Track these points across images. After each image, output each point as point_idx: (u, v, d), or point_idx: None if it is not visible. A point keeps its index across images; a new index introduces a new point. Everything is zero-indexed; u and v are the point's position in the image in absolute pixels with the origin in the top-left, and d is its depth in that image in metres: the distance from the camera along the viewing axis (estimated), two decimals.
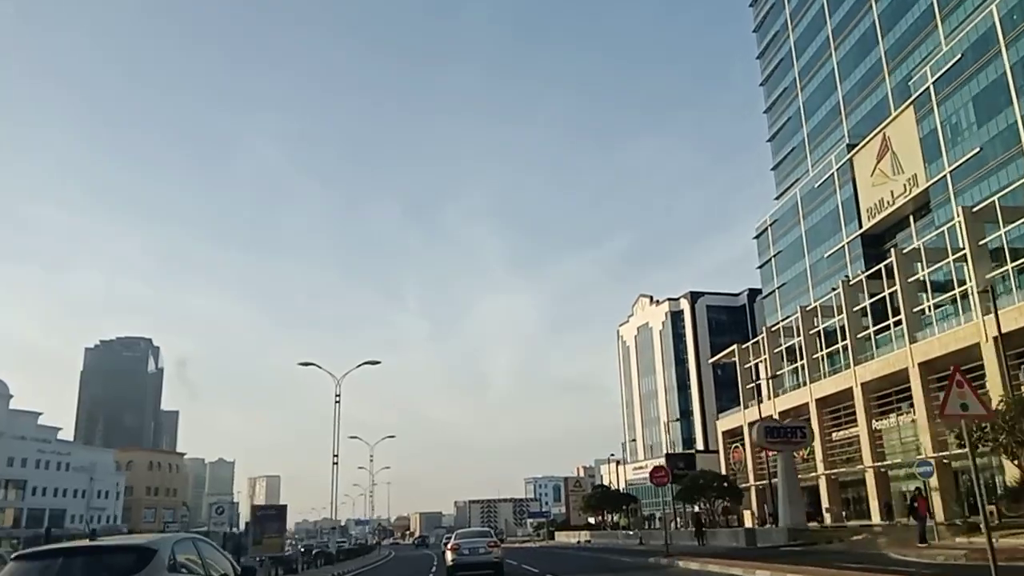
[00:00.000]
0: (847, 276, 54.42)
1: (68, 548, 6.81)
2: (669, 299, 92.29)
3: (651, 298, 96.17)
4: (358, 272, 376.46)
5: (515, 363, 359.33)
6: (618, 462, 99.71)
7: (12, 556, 6.57)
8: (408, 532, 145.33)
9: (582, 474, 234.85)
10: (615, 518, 65.80)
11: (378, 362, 36.97)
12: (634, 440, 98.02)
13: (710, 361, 77.62)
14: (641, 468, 76.62)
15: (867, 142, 57.06)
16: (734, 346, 70.31)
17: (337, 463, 35.45)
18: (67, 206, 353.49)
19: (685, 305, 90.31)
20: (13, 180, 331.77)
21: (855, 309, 50.70)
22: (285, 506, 32.18)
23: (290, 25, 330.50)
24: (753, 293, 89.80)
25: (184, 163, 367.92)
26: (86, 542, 6.95)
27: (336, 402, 36.12)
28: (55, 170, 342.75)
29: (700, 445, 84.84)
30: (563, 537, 70.35)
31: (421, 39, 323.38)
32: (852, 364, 49.30)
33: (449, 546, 23.97)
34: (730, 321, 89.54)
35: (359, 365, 36.05)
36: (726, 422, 70.52)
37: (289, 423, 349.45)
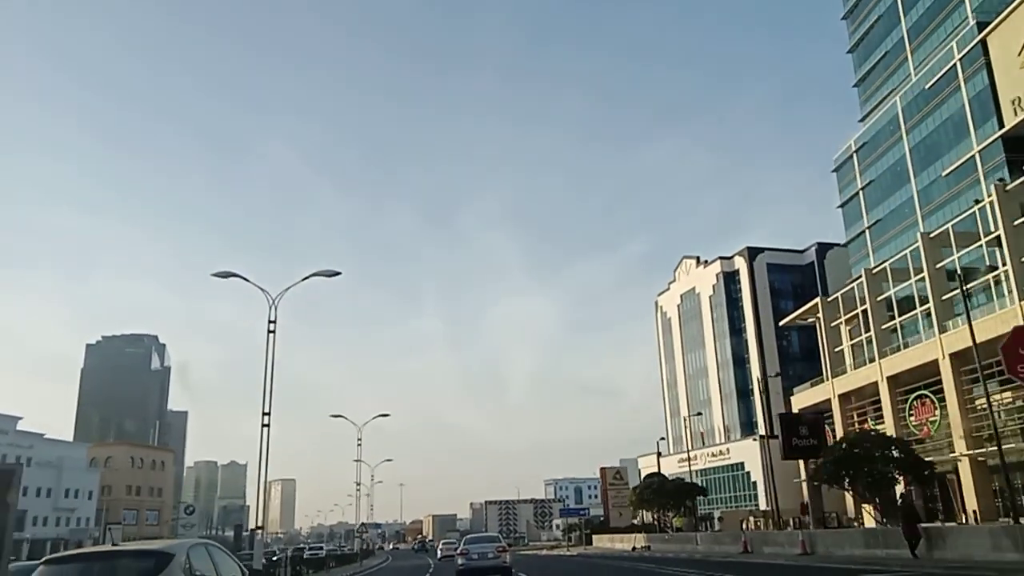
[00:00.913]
0: (1002, 179, 39.87)
1: (92, 553, 8.00)
2: (721, 258, 77.83)
3: (697, 259, 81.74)
4: (375, 276, 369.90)
5: (532, 366, 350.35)
6: (659, 454, 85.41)
7: (42, 561, 7.59)
8: (418, 536, 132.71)
9: (602, 477, 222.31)
10: (670, 517, 51.47)
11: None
12: (673, 430, 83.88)
13: (783, 322, 63.19)
14: (687, 460, 62.56)
15: (1012, 10, 42.51)
16: (816, 300, 56.06)
17: (268, 424, 21.88)
18: (86, 209, 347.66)
19: (741, 264, 75.83)
20: (35, 182, 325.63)
21: (1017, 223, 36.31)
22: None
23: (308, 30, 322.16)
24: (822, 249, 75.38)
25: (203, 166, 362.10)
26: (109, 547, 7.99)
27: (271, 331, 23.01)
28: (75, 172, 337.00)
29: (761, 431, 70.52)
30: (604, 542, 56.00)
31: (436, 42, 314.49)
32: (1018, 299, 35.00)
33: (458, 551, 25.54)
34: (795, 283, 74.96)
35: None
36: (805, 396, 56.16)
37: (307, 427, 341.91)
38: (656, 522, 52.72)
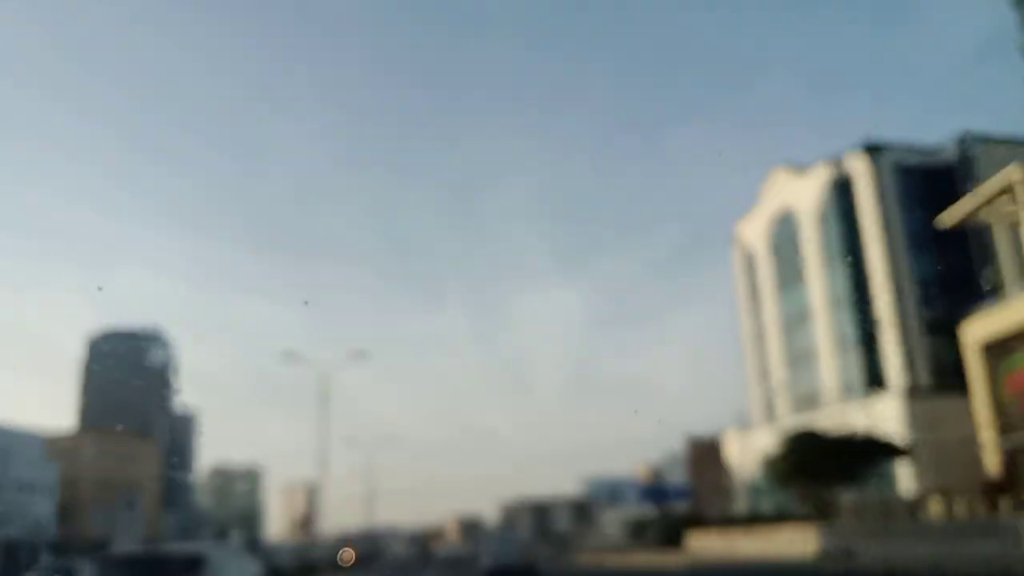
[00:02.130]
0: None
1: (139, 553, 10.10)
2: (829, 162, 59.10)
3: (794, 166, 63.02)
4: (397, 273, 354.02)
5: (560, 361, 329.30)
6: (743, 429, 67.50)
7: (94, 559, 9.70)
8: (439, 541, 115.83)
9: (642, 471, 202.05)
10: (833, 496, 32.57)
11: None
12: (760, 396, 65.42)
13: (948, 225, 44.28)
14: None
15: None
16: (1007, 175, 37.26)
17: None
18: (105, 209, 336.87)
19: (859, 168, 57.10)
20: (57, 184, 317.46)
21: None
22: None
23: (324, 20, 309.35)
24: (968, 142, 56.46)
25: (221, 164, 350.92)
26: (153, 548, 11.56)
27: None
28: (92, 173, 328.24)
29: (898, 384, 51.71)
30: (710, 540, 37.12)
31: (458, 31, 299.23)
32: None
33: (488, 550, 27.56)
34: (930, 193, 56.05)
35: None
36: (986, 326, 37.19)
37: (331, 428, 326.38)
38: (816, 503, 33.49)
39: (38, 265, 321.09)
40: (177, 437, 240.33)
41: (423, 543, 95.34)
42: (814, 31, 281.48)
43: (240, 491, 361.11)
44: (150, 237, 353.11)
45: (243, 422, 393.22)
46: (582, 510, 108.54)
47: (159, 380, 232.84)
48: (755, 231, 68.21)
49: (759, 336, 67.65)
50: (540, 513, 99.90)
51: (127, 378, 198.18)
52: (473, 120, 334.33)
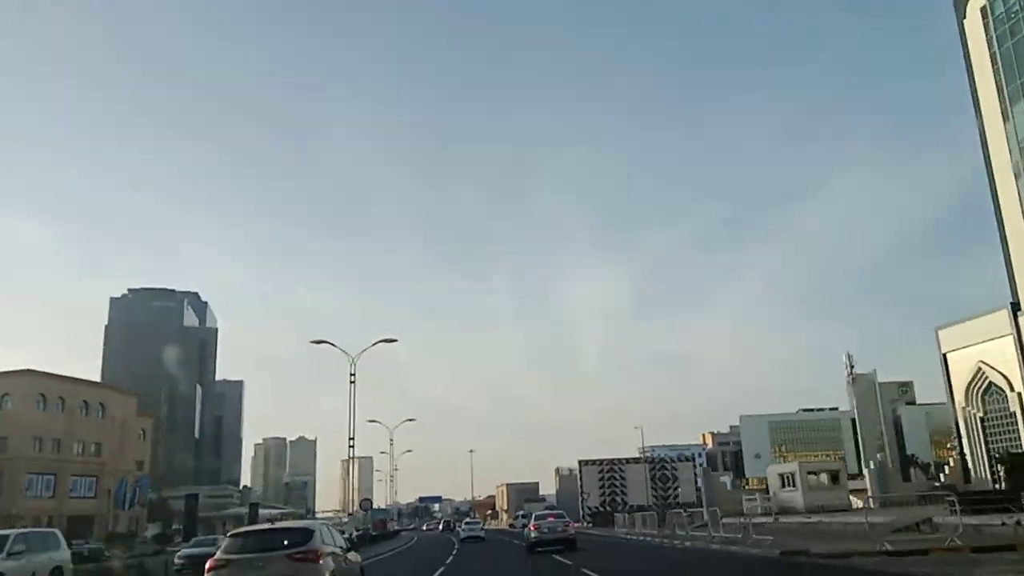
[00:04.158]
0: None
1: (262, 528, 13.12)
2: None
3: None
4: (444, 253, 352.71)
5: (604, 338, 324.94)
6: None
7: (228, 534, 12.62)
8: (488, 513, 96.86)
9: (710, 443, 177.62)
10: None
11: (395, 340, 41.65)
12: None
13: None
14: None
15: None
16: None
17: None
18: (165, 194, 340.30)
19: None
20: (115, 169, 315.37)
21: None
22: None
23: (368, 14, 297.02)
24: None
25: (274, 151, 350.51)
26: (274, 524, 15.18)
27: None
28: (152, 160, 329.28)
29: None
30: None
31: (504, 6, 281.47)
32: None
33: (531, 525, 29.68)
34: None
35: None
36: None
37: (383, 405, 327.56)
38: None
39: (111, 252, 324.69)
40: (215, 404, 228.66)
41: (459, 518, 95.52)
42: (860, 5, 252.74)
43: (292, 463, 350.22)
44: (213, 223, 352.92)
45: (296, 398, 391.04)
46: (663, 472, 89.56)
47: (196, 343, 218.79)
48: None
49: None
50: (611, 476, 77.78)
51: (156, 338, 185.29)
52: (519, 99, 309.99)
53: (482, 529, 51.89)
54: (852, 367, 78.00)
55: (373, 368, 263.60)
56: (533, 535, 28.46)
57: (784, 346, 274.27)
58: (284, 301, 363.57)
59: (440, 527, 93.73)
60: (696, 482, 76.02)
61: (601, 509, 72.60)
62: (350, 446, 42.09)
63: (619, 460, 78.55)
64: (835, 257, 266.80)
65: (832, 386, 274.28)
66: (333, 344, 40.30)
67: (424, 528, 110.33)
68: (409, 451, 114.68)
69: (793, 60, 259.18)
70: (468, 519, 60.06)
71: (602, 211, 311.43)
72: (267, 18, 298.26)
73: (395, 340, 41.81)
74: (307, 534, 11.15)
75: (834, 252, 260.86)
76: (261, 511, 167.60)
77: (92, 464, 69.31)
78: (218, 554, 10.99)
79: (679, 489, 76.27)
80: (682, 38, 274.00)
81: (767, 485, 62.86)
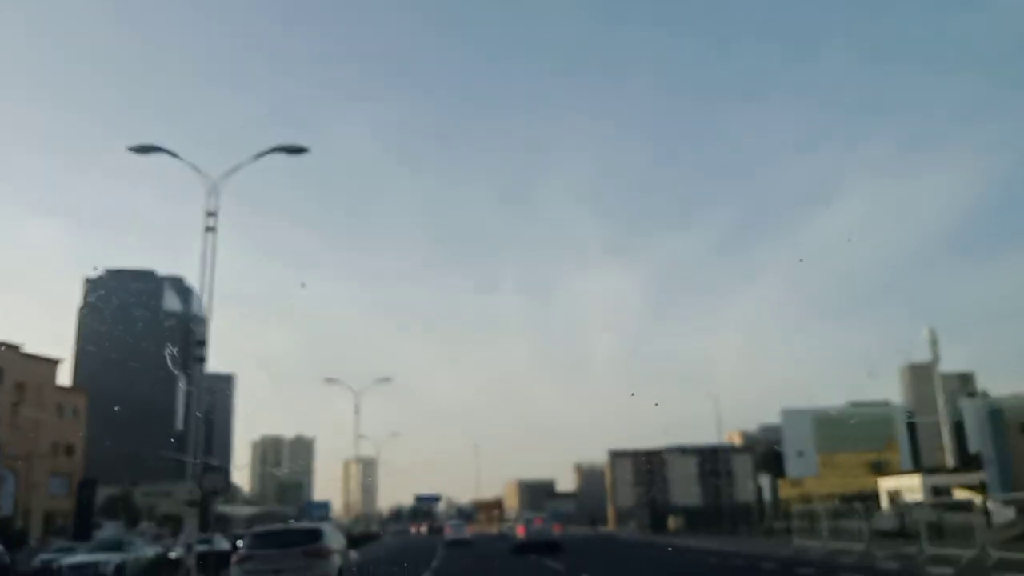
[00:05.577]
0: None
1: (280, 529, 15.03)
2: None
3: None
4: (453, 253, 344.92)
5: (614, 344, 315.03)
6: None
7: (250, 533, 14.84)
8: (495, 514, 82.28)
9: (737, 440, 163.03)
10: None
11: (390, 379, 55.83)
12: None
13: None
14: None
15: None
16: None
17: None
18: (163, 190, 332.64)
19: None
20: (120, 175, 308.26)
21: None
22: None
23: (377, 10, 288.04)
24: None
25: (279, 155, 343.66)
26: (290, 524, 20.32)
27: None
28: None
29: None
30: None
31: (513, 6, 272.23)
32: None
33: (519, 527, 31.33)
34: None
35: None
36: None
37: (393, 407, 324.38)
38: None
39: (101, 242, 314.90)
40: (202, 397, 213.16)
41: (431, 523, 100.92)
42: (874, 4, 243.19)
43: (289, 462, 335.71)
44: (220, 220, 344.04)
45: (297, 398, 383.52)
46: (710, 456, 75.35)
47: (179, 331, 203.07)
48: None
49: None
50: (647, 469, 62.34)
51: (134, 322, 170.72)
52: (528, 101, 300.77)
53: (468, 532, 50.63)
54: (909, 357, 62.72)
55: (377, 371, 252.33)
56: (520, 537, 29.90)
57: (800, 347, 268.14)
58: (287, 302, 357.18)
59: (426, 530, 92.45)
60: (755, 479, 60.43)
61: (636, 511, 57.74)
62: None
63: (659, 451, 62.79)
64: (858, 257, 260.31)
65: (854, 387, 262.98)
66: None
67: (414, 531, 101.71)
68: (397, 434, 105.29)
69: (807, 59, 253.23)
70: (453, 520, 57.31)
71: (613, 214, 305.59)
72: (279, 15, 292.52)
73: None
74: (318, 534, 13.38)
75: (853, 252, 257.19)
76: (235, 509, 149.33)
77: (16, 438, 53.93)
78: (243, 549, 13.28)
79: (734, 487, 60.64)
80: (695, 39, 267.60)
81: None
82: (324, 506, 70.05)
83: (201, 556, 21.66)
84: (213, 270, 18.69)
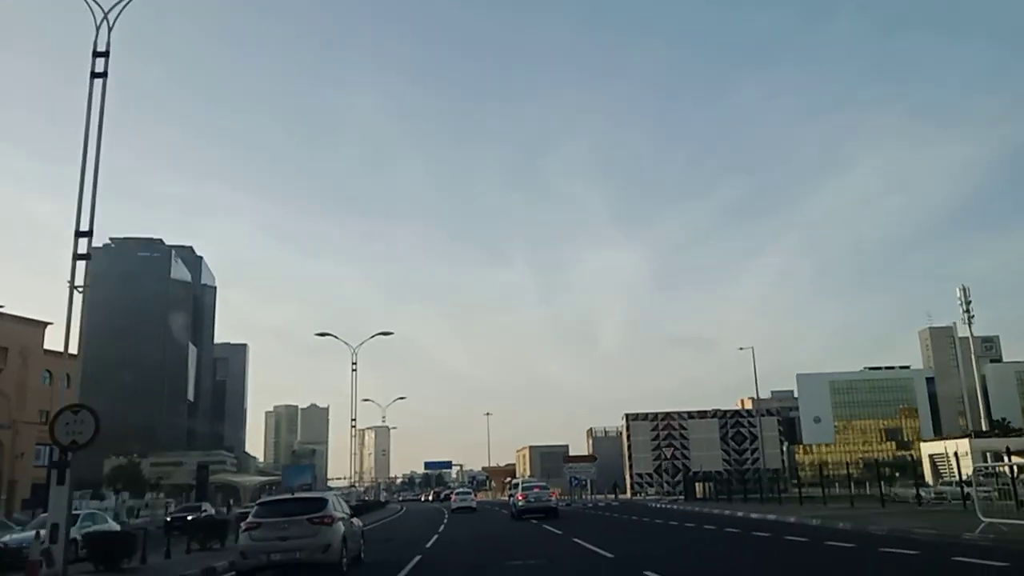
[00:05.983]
0: None
1: (285, 498, 16.21)
2: None
3: None
4: (462, 230, 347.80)
5: (624, 317, 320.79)
6: None
7: (256, 502, 15.04)
8: (507, 481, 79.50)
9: (748, 405, 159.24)
10: None
11: (391, 333, 52.95)
12: None
13: None
14: None
15: None
16: None
17: None
18: (183, 180, 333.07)
19: None
20: (137, 160, 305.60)
21: None
22: None
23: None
24: None
25: (288, 126, 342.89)
26: (296, 494, 20.45)
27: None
28: (178, 135, 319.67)
29: None
30: None
31: None
32: None
33: (519, 494, 32.03)
34: None
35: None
36: None
37: (402, 383, 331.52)
38: None
39: (139, 226, 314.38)
40: (215, 367, 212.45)
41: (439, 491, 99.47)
42: None
43: (303, 430, 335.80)
44: (234, 202, 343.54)
45: (311, 366, 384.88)
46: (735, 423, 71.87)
47: (189, 300, 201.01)
48: None
49: None
50: (667, 432, 59.03)
51: (142, 291, 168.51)
52: (535, 81, 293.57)
53: (474, 500, 52.44)
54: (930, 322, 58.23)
55: (392, 343, 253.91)
56: (520, 503, 31.33)
57: (813, 317, 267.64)
58: (303, 276, 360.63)
59: (432, 498, 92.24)
60: (782, 444, 57.26)
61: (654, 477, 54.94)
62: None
63: (678, 413, 59.39)
64: (866, 229, 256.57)
65: (869, 357, 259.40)
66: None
67: (423, 499, 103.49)
68: (402, 398, 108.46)
69: (817, 30, 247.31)
70: (460, 489, 60.27)
71: (623, 187, 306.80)
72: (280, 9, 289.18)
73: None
74: (322, 503, 13.89)
75: (861, 225, 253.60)
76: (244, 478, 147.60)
77: None
78: (250, 517, 13.53)
79: (758, 452, 57.44)
80: (705, 11, 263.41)
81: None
82: (305, 471, 68.33)
83: (191, 523, 24.36)
84: (101, 121, 15.02)
